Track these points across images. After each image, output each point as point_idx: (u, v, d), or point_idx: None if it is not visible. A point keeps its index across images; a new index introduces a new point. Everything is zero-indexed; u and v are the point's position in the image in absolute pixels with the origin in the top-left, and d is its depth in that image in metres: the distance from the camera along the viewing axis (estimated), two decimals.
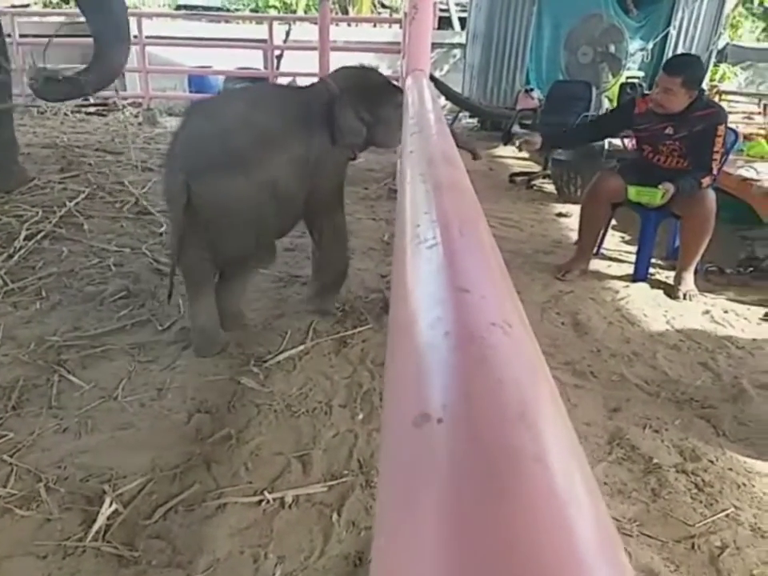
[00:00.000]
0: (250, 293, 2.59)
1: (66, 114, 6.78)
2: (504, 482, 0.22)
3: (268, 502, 1.48)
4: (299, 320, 2.39)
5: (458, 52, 9.29)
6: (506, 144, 5.59)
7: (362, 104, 2.27)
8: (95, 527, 1.38)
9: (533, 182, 4.88)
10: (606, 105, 5.75)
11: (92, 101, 7.59)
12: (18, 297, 2.47)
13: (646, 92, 3.40)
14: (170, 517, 1.44)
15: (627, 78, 6.21)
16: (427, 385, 0.30)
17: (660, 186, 2.65)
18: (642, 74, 6.79)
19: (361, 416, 1.83)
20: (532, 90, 6.69)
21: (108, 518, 1.41)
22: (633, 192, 2.74)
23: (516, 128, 5.33)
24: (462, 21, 11.99)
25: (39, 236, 3.03)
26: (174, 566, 1.32)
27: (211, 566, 1.31)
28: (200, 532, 1.40)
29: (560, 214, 4.13)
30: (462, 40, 8.64)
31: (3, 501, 1.45)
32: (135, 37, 7.19)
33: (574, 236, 3.50)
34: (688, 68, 2.66)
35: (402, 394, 0.32)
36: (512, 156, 6.11)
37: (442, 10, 10.38)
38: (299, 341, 2.24)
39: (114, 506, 1.44)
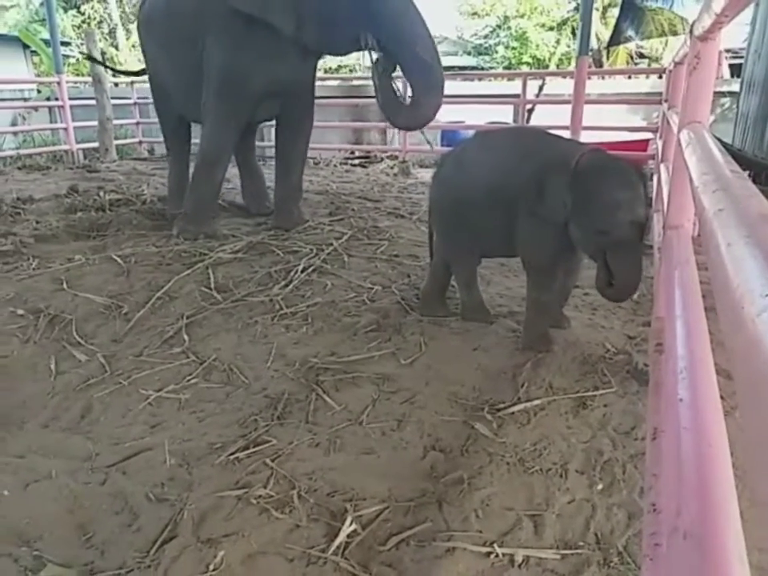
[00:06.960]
0: (489, 337, 2.62)
1: (335, 165, 7.72)
2: None
3: (497, 555, 1.45)
4: (536, 372, 2.33)
5: (726, 101, 8.43)
6: None
7: (573, 195, 2.20)
8: (336, 542, 1.48)
9: None
10: None
11: (356, 154, 8.56)
12: (289, 320, 2.84)
13: None
14: (402, 548, 1.48)
15: None
16: None
17: None
18: None
19: (600, 486, 1.70)
20: None
21: (348, 536, 1.50)
22: None
23: None
24: (732, 67, 10.85)
25: (310, 269, 3.47)
26: None
27: None
28: (429, 571, 1.41)
29: None
30: (732, 88, 7.84)
31: (263, 501, 1.64)
32: None
33: None
34: None
35: None
36: None
37: None
38: (535, 394, 2.18)
39: (354, 525, 1.53)
